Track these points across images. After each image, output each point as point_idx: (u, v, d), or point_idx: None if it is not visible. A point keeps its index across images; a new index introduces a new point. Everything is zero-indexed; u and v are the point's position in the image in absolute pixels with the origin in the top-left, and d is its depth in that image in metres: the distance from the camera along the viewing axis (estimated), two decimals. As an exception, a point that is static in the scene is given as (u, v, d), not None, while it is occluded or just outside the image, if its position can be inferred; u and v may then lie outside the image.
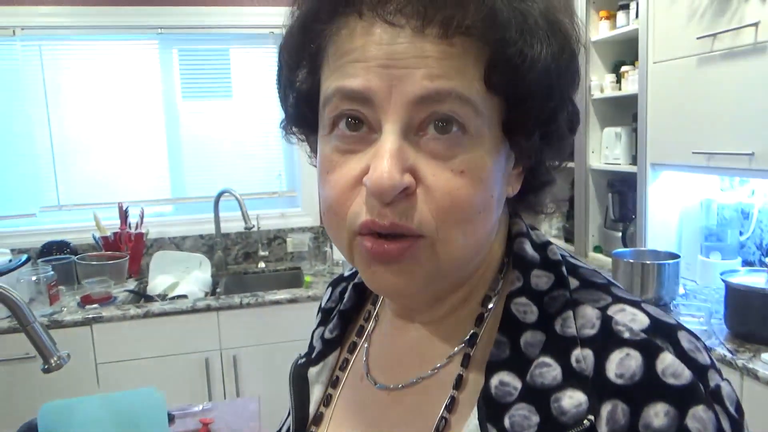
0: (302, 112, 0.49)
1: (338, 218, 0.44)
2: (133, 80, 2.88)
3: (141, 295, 2.56)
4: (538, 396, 0.42)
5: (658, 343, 0.41)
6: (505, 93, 0.42)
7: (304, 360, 0.61)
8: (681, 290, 2.08)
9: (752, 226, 2.18)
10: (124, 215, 2.76)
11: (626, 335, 0.42)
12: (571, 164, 2.89)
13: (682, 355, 0.41)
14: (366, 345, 0.58)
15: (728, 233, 2.15)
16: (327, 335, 0.61)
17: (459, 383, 0.48)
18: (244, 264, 2.99)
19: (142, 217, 2.80)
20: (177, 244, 2.93)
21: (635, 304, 0.45)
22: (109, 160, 2.90)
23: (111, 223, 2.76)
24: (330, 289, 0.68)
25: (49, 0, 2.69)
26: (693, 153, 2.04)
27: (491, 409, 0.44)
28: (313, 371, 0.59)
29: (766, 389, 1.47)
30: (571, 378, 0.42)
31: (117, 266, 2.60)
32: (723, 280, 1.73)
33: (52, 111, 2.80)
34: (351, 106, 0.42)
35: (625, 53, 2.62)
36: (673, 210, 2.35)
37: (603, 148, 2.68)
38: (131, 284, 2.64)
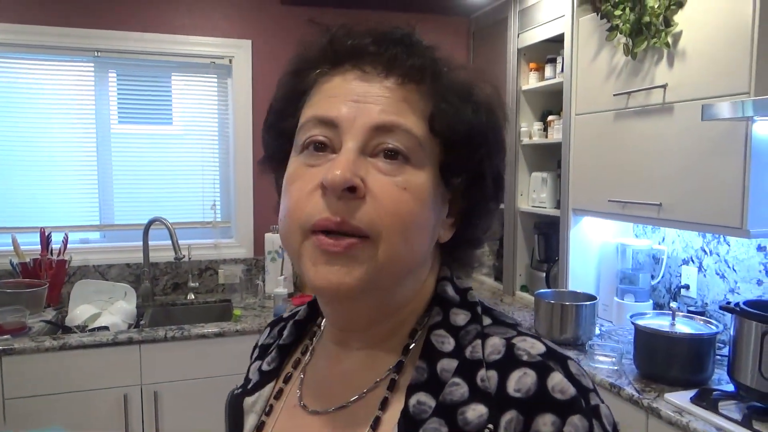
0: (281, 146, 0.58)
1: (293, 221, 0.52)
2: (63, 101, 2.80)
3: (58, 326, 2.44)
4: (448, 411, 0.50)
5: (550, 365, 0.50)
6: (442, 137, 0.53)
7: (240, 391, 0.65)
8: (597, 331, 2.19)
9: (662, 271, 2.33)
10: (46, 241, 2.65)
11: (525, 357, 0.50)
12: (501, 205, 3.00)
13: (569, 376, 0.49)
14: (301, 375, 0.63)
15: (640, 277, 2.29)
16: (265, 367, 0.65)
17: (384, 405, 0.54)
18: (173, 295, 2.91)
19: (65, 243, 2.69)
20: (102, 272, 2.83)
21: (535, 337, 0.54)
22: (32, 182, 2.78)
23: (31, 249, 2.64)
24: (269, 328, 0.73)
25: (-22, 15, 2.61)
26: (609, 201, 2.18)
27: (409, 424, 0.51)
28: (248, 401, 0.63)
29: (669, 428, 1.56)
30: (476, 394, 0.50)
31: (34, 294, 2.48)
32: (632, 323, 1.83)
33: (-27, 129, 2.68)
34: (320, 130, 0.52)
35: (552, 103, 2.78)
36: (593, 253, 2.48)
37: (531, 192, 2.81)
38: (49, 314, 2.52)
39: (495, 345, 0.52)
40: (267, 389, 0.63)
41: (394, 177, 0.50)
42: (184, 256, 2.71)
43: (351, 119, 0.50)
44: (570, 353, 2.04)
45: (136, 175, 2.93)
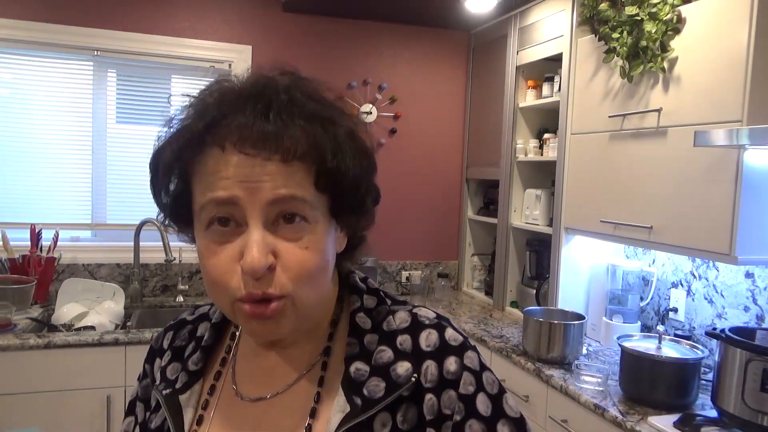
0: (176, 211, 0.64)
1: (221, 290, 0.59)
2: (61, 99, 2.80)
3: (44, 324, 2.43)
4: (382, 370, 0.63)
5: (443, 323, 0.68)
6: (329, 192, 0.61)
7: (170, 390, 0.70)
8: (584, 350, 2.19)
9: (651, 293, 2.34)
10: (36, 237, 2.64)
11: (426, 322, 0.68)
12: (493, 220, 3.01)
13: (455, 329, 0.68)
14: (231, 371, 0.71)
15: (629, 298, 2.29)
16: (191, 367, 0.72)
17: (322, 382, 0.66)
18: (162, 297, 2.90)
19: (55, 241, 2.68)
20: (91, 271, 2.81)
21: (425, 307, 0.71)
22: (25, 178, 2.78)
23: (21, 245, 2.63)
24: (172, 331, 0.78)
25: (-21, 10, 2.61)
26: (601, 221, 2.19)
27: (353, 387, 0.63)
28: (182, 398, 0.69)
29: (651, 451, 1.56)
30: (400, 355, 0.64)
31: (22, 291, 2.46)
32: (619, 344, 1.84)
33: (-32, 123, 2.67)
34: (223, 209, 0.58)
35: (548, 121, 2.80)
36: (583, 272, 2.49)
37: (524, 208, 2.81)
38: (36, 311, 2.50)
39: (402, 317, 0.68)
40: (197, 387, 0.70)
41: (297, 241, 0.59)
42: (174, 259, 2.70)
43: (248, 197, 0.57)
44: (555, 372, 2.02)
45: (130, 176, 2.93)
